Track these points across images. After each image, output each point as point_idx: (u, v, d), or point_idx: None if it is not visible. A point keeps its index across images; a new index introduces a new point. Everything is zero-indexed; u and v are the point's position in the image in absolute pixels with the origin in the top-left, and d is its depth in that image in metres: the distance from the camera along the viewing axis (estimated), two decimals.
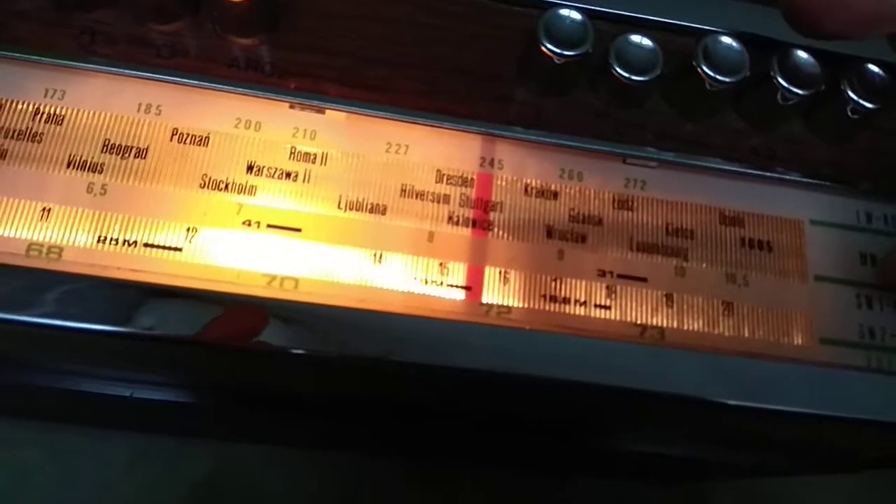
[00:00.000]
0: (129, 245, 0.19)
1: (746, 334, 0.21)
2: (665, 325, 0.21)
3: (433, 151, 0.21)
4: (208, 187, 0.20)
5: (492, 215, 0.21)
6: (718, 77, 0.21)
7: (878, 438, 0.24)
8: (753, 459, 0.29)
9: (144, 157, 0.20)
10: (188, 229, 0.19)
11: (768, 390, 0.20)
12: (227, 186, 0.20)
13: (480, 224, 0.21)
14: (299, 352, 0.18)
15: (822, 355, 0.21)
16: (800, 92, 0.21)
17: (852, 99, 0.22)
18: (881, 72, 0.22)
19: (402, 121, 0.21)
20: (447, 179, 0.21)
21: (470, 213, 0.21)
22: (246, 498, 0.44)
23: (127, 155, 0.20)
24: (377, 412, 0.32)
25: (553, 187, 0.22)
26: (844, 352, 0.21)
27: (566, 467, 0.44)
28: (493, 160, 0.22)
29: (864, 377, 0.21)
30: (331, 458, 0.44)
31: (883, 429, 0.20)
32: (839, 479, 0.42)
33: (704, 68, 0.21)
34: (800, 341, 0.21)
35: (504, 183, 0.22)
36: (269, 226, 0.20)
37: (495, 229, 0.21)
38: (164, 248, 0.19)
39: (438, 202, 0.21)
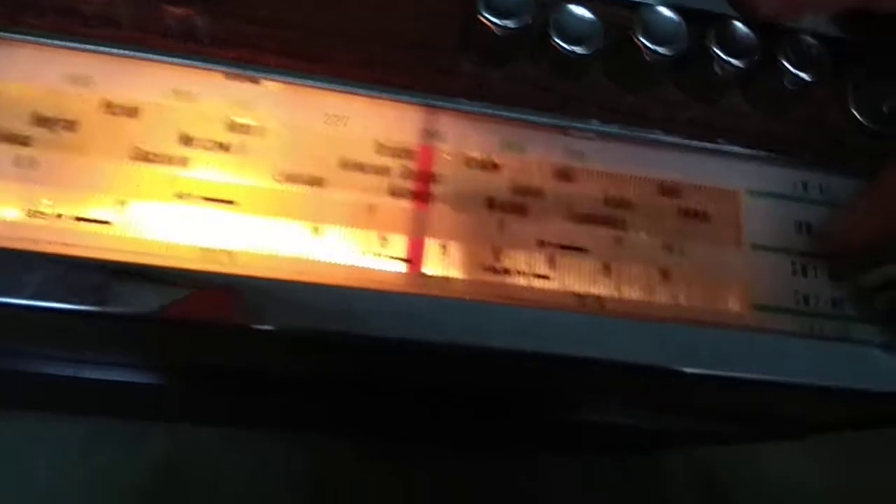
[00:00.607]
0: (60, 219, 0.19)
1: (683, 302, 0.21)
2: (604, 294, 0.21)
3: (373, 123, 0.21)
4: (140, 159, 0.20)
5: (433, 187, 0.21)
6: (656, 48, 0.21)
7: (818, 405, 0.25)
8: (704, 428, 0.30)
9: (74, 130, 0.20)
10: (120, 202, 0.19)
11: (703, 355, 0.20)
12: (159, 158, 0.20)
13: (421, 196, 0.21)
14: (234, 325, 0.18)
15: (757, 321, 0.21)
16: (737, 63, 0.21)
17: (789, 71, 0.22)
18: (817, 44, 0.22)
19: (342, 92, 0.21)
20: (388, 151, 0.21)
21: (411, 185, 0.21)
22: (203, 480, 0.43)
23: (56, 127, 0.20)
24: (332, 392, 0.32)
25: (494, 159, 0.22)
26: (779, 318, 0.21)
27: (519, 442, 0.45)
28: (434, 132, 0.22)
29: (799, 342, 0.21)
30: (287, 439, 0.44)
31: (816, 392, 0.21)
32: (786, 446, 0.43)
33: (642, 39, 0.21)
34: (735, 308, 0.21)
35: (445, 155, 0.22)
36: (202, 198, 0.19)
37: (436, 201, 0.21)
38: (95, 221, 0.19)
39: (379, 174, 0.21)
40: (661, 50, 0.21)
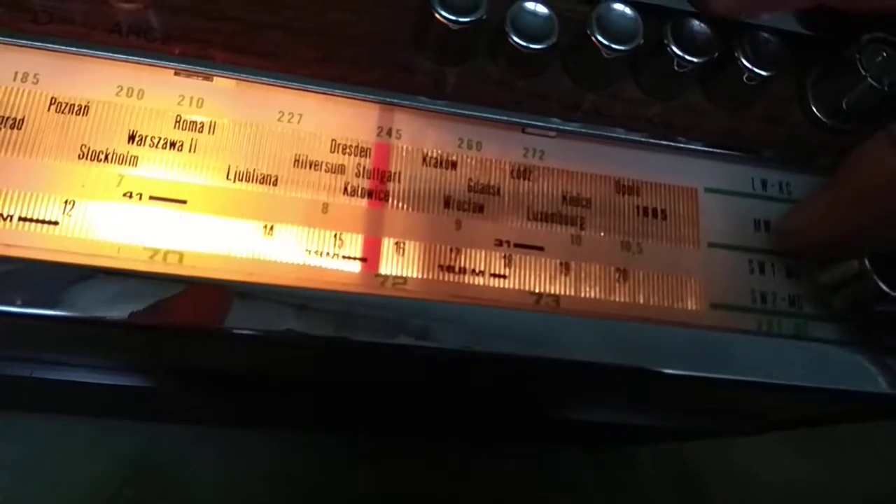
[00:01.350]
0: (4, 220, 0.19)
1: (641, 300, 0.21)
2: (561, 292, 0.21)
3: (328, 121, 0.21)
4: (87, 158, 0.19)
5: (389, 185, 0.21)
6: (612, 45, 0.21)
7: (777, 402, 0.25)
8: (667, 424, 0.30)
9: (20, 128, 0.19)
10: (66, 202, 0.19)
11: (658, 353, 0.20)
12: (106, 157, 0.19)
13: (377, 195, 0.21)
14: (179, 326, 0.18)
15: (714, 320, 0.21)
16: (693, 60, 0.21)
17: (747, 67, 0.22)
18: (775, 40, 0.22)
19: (295, 88, 0.21)
20: (343, 149, 0.21)
21: (367, 184, 0.21)
22: (172, 477, 0.43)
23: (2, 126, 0.19)
24: (298, 390, 0.31)
25: (452, 157, 0.22)
26: (736, 316, 0.22)
27: (494, 438, 0.45)
28: (390, 130, 0.21)
29: (755, 340, 0.21)
30: (255, 437, 0.44)
31: (771, 389, 0.21)
32: (757, 439, 0.43)
33: (598, 36, 0.21)
34: (692, 306, 0.21)
35: (402, 153, 0.21)
36: (151, 197, 0.19)
37: (392, 200, 0.21)
38: (40, 221, 0.19)
39: (334, 172, 0.21)
40: (617, 46, 0.21)
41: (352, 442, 0.45)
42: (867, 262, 0.21)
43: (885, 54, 0.22)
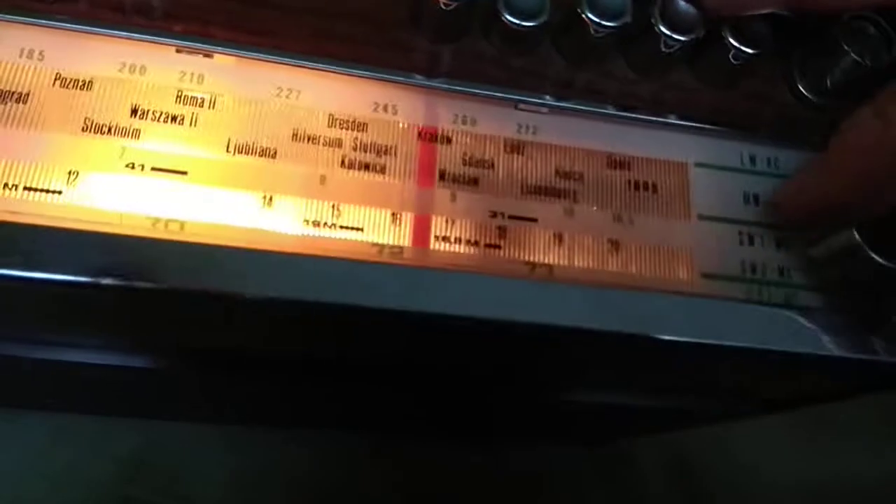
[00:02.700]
0: (10, 189, 0.19)
1: (633, 270, 0.22)
2: (554, 262, 0.21)
3: (326, 96, 0.22)
4: (91, 131, 0.20)
5: (385, 159, 0.21)
6: (601, 22, 0.21)
7: (769, 372, 0.25)
8: (662, 404, 0.30)
9: (26, 102, 0.20)
10: (69, 172, 0.19)
11: (650, 320, 0.20)
12: (110, 130, 0.20)
13: (374, 168, 0.21)
14: (182, 290, 0.18)
15: (704, 288, 0.22)
16: (680, 39, 0.22)
17: (734, 46, 0.22)
18: (761, 18, 0.23)
19: (293, 65, 0.21)
20: (340, 124, 0.21)
21: (363, 157, 0.21)
22: (174, 476, 0.43)
23: (8, 100, 0.20)
24: (298, 386, 0.32)
25: (447, 132, 0.22)
26: (726, 285, 0.22)
27: (494, 433, 0.45)
28: (387, 105, 0.22)
29: (744, 308, 0.22)
30: (257, 435, 0.44)
31: (761, 356, 0.21)
32: (755, 430, 0.43)
33: (588, 14, 0.21)
34: (683, 276, 0.22)
35: (398, 128, 0.22)
36: (153, 168, 0.20)
37: (388, 173, 0.21)
38: (44, 191, 0.19)
39: (331, 146, 0.21)
40: (606, 24, 0.21)
41: (354, 440, 0.46)
42: (857, 235, 0.21)
43: (867, 31, 0.23)
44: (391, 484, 0.46)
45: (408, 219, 0.21)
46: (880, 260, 0.21)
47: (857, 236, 0.21)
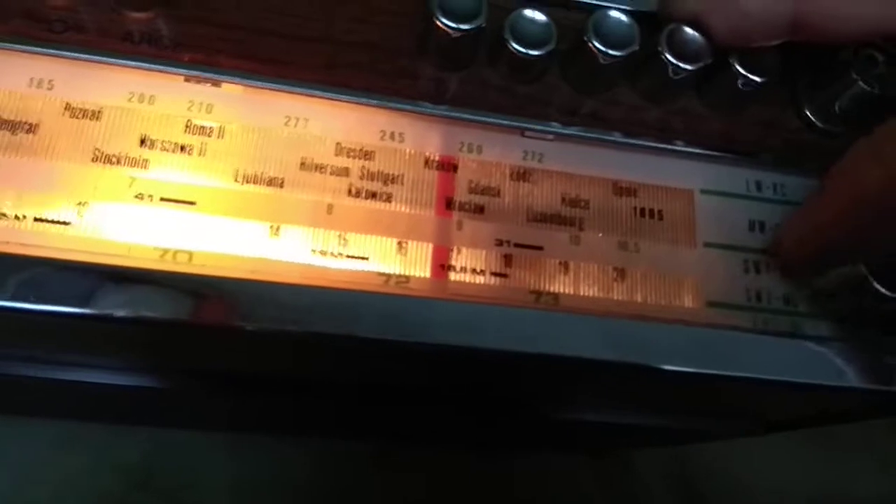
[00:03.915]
0: (19, 220, 0.19)
1: (638, 299, 0.22)
2: (560, 291, 0.21)
3: (333, 125, 0.22)
4: (100, 161, 0.20)
5: (392, 188, 0.22)
6: (609, 51, 0.21)
7: (774, 399, 0.26)
8: (671, 424, 0.31)
9: (35, 132, 0.20)
10: (79, 203, 0.19)
11: (656, 351, 0.20)
12: (118, 160, 0.20)
13: (381, 196, 0.21)
14: (190, 322, 0.18)
15: (709, 317, 0.22)
16: (688, 67, 0.22)
17: (741, 73, 0.22)
18: (768, 46, 0.23)
19: (301, 94, 0.21)
20: (348, 153, 0.22)
21: (370, 186, 0.21)
22: (180, 484, 0.44)
23: (17, 130, 0.20)
24: (306, 394, 0.32)
25: (453, 160, 0.22)
26: (731, 314, 0.22)
27: (498, 443, 0.45)
28: (394, 133, 0.22)
29: (750, 337, 0.22)
30: (263, 443, 0.44)
31: (766, 385, 0.21)
32: (758, 444, 0.43)
33: (595, 43, 0.21)
34: (689, 304, 0.22)
35: (405, 156, 0.22)
36: (162, 199, 0.20)
37: (395, 202, 0.21)
38: (54, 222, 0.19)
39: (338, 175, 0.21)
40: (613, 53, 0.21)
41: (359, 448, 0.46)
42: (863, 268, 0.21)
43: (876, 58, 0.23)
44: (395, 491, 0.46)
45: (414, 247, 0.21)
46: (886, 292, 0.21)
47: (863, 268, 0.21)
